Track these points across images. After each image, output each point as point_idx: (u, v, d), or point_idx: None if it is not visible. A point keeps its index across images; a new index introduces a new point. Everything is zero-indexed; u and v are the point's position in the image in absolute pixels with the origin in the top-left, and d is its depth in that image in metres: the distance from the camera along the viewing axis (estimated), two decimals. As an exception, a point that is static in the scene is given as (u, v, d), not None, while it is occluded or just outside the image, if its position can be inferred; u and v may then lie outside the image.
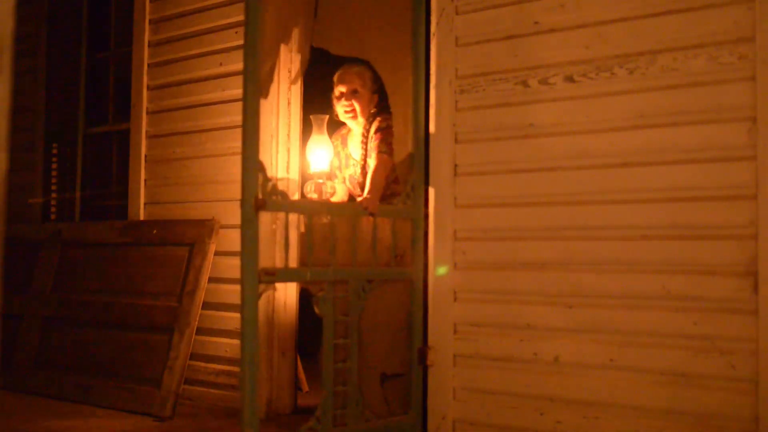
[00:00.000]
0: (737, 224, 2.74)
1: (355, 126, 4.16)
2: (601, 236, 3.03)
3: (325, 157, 4.08)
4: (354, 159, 4.18)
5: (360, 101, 4.08)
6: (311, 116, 4.11)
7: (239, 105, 2.88)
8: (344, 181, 4.22)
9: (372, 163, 4.00)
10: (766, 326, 2.66)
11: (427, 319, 3.45)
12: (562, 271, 3.11)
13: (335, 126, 4.28)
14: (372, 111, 4.11)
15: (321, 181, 4.02)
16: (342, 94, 4.10)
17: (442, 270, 3.41)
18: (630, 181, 2.97)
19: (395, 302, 3.66)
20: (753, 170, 2.71)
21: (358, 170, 4.13)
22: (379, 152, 3.98)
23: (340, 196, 4.19)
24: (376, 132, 4.05)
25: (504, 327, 3.24)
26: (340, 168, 4.24)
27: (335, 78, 4.16)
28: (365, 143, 4.10)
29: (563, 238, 3.12)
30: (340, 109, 4.12)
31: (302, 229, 4.15)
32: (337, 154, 4.23)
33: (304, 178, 4.25)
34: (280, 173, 4.28)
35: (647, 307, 2.91)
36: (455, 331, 3.37)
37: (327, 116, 4.13)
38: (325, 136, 4.10)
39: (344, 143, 4.23)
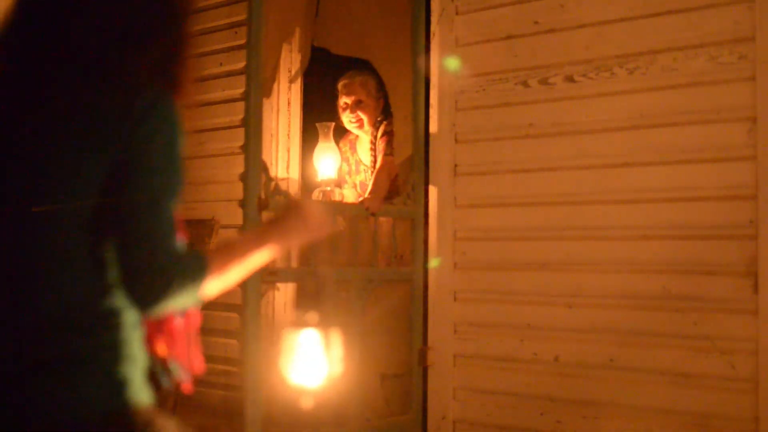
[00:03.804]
0: (737, 224, 2.75)
1: (363, 133, 4.15)
2: (601, 236, 3.03)
3: (332, 165, 4.07)
4: (364, 165, 4.18)
5: (365, 111, 4.07)
6: (317, 124, 4.10)
7: (239, 105, 2.89)
8: (355, 187, 4.21)
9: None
10: (766, 326, 2.66)
11: (427, 319, 3.45)
12: (562, 271, 3.11)
13: (343, 130, 4.27)
14: (378, 118, 4.11)
15: (329, 188, 4.01)
16: (347, 105, 4.09)
17: (434, 263, 3.41)
18: (630, 181, 2.97)
19: (395, 302, 3.66)
20: (753, 170, 2.71)
21: (369, 175, 4.12)
22: (385, 154, 3.99)
23: (349, 201, 4.19)
24: (382, 136, 4.05)
25: (504, 327, 3.24)
26: (350, 173, 4.22)
27: (339, 87, 4.14)
28: (374, 149, 4.10)
29: (563, 238, 3.12)
30: (346, 119, 4.12)
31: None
32: (346, 159, 4.22)
33: (310, 186, 4.24)
34: (281, 173, 4.28)
35: (647, 307, 2.91)
36: (455, 331, 3.36)
37: (333, 124, 4.12)
38: (332, 143, 4.09)
39: (353, 149, 4.23)
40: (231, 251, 1.34)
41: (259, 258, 1.36)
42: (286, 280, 3.90)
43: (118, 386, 1.21)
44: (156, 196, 1.18)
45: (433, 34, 3.47)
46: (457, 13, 3.42)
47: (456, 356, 3.35)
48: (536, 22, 3.22)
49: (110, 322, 1.21)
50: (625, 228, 2.98)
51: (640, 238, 2.94)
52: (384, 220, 3.52)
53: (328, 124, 4.08)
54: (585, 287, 3.05)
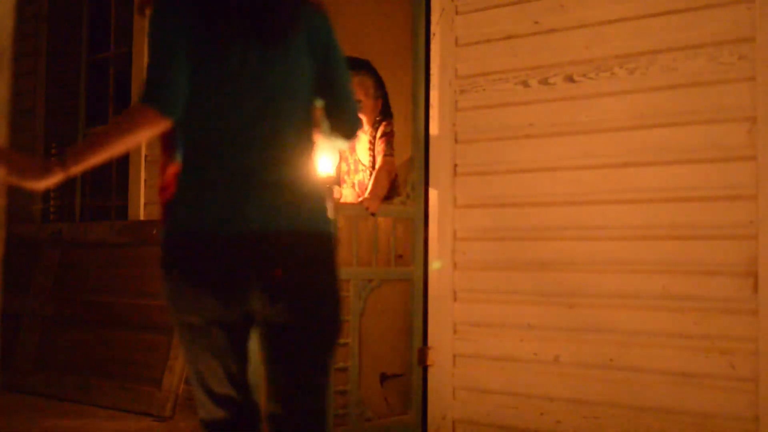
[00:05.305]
0: (737, 224, 2.75)
1: (362, 133, 4.14)
2: (601, 236, 3.03)
3: (330, 162, 4.06)
4: (363, 165, 4.17)
5: (364, 111, 4.06)
6: None
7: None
8: (353, 187, 4.20)
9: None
10: (766, 326, 2.66)
11: (427, 319, 3.45)
12: (562, 271, 3.11)
13: None
14: (377, 118, 4.10)
15: (327, 187, 3.99)
16: None
17: (436, 265, 3.41)
18: (630, 181, 2.97)
19: (395, 302, 3.66)
20: (753, 170, 2.71)
21: (367, 175, 4.12)
22: (385, 155, 3.98)
23: (348, 201, 4.17)
24: (381, 137, 4.04)
25: (504, 327, 3.24)
26: (348, 173, 4.22)
27: None
28: (372, 149, 4.09)
29: (563, 238, 3.12)
30: None
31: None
32: (345, 159, 4.21)
33: None
34: (280, 173, 4.27)
35: (647, 307, 2.91)
36: (455, 331, 3.37)
37: None
38: None
39: (352, 148, 4.21)
40: None
41: None
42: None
43: (328, 217, 1.85)
44: (346, 70, 1.93)
45: (433, 34, 3.47)
46: (457, 13, 3.42)
47: (456, 356, 3.36)
48: (536, 22, 3.22)
49: (312, 167, 1.87)
50: (625, 228, 2.98)
51: (640, 238, 2.94)
52: (384, 220, 3.52)
53: None
54: (585, 287, 3.05)
